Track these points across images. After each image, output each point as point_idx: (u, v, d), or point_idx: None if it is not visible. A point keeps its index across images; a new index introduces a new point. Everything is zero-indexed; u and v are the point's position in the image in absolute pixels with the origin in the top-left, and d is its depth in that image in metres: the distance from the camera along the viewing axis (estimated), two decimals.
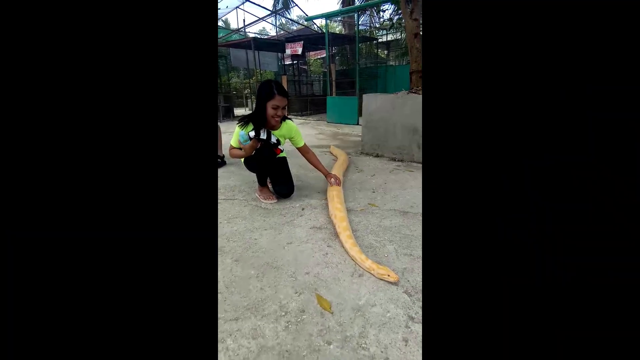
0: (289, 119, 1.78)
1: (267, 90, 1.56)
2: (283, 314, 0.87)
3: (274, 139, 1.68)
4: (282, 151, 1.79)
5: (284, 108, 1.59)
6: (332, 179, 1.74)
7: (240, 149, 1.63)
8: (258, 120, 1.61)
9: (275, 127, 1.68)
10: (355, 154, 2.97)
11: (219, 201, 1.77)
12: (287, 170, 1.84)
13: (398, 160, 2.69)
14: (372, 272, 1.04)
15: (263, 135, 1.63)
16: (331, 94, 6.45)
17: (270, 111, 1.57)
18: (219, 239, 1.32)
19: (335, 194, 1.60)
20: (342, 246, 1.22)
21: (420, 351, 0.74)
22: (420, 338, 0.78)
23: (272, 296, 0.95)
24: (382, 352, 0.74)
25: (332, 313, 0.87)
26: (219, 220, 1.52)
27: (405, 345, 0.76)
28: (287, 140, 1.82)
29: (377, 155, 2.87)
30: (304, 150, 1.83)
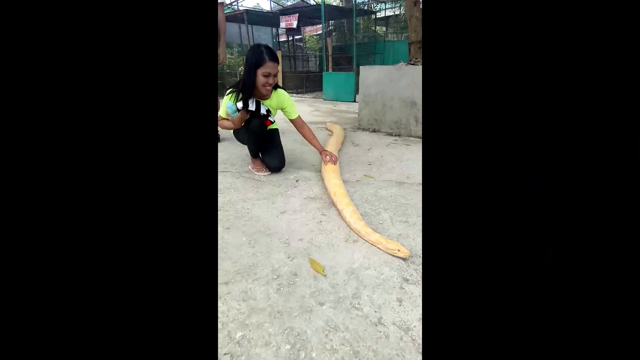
0: (281, 88, 1.67)
1: (257, 55, 1.43)
2: (275, 277, 0.85)
3: (263, 110, 1.57)
4: (272, 122, 1.69)
5: (275, 75, 1.47)
6: (327, 157, 1.56)
7: (229, 120, 1.56)
8: (247, 89, 1.49)
9: (265, 97, 1.56)
10: (352, 130, 2.90)
11: None
12: (279, 142, 1.75)
13: (395, 135, 2.63)
14: (380, 246, 0.96)
15: (252, 106, 1.52)
16: (327, 70, 6.26)
17: (261, 79, 1.45)
18: None
19: (331, 169, 1.50)
20: (345, 221, 1.15)
21: (415, 310, 0.73)
22: (414, 298, 0.77)
23: (263, 261, 0.93)
24: (375, 311, 0.73)
25: (325, 276, 0.85)
26: None
27: (400, 305, 0.75)
28: (280, 112, 1.71)
29: (374, 130, 2.81)
30: (299, 124, 1.66)
